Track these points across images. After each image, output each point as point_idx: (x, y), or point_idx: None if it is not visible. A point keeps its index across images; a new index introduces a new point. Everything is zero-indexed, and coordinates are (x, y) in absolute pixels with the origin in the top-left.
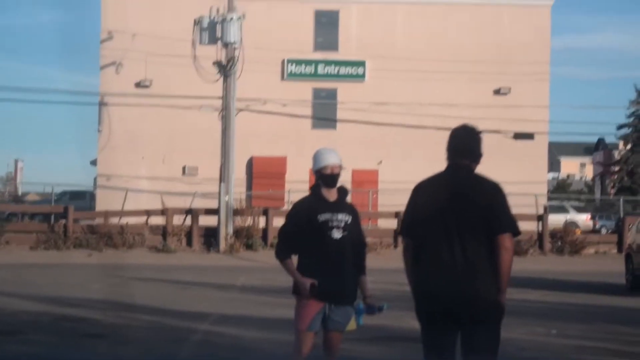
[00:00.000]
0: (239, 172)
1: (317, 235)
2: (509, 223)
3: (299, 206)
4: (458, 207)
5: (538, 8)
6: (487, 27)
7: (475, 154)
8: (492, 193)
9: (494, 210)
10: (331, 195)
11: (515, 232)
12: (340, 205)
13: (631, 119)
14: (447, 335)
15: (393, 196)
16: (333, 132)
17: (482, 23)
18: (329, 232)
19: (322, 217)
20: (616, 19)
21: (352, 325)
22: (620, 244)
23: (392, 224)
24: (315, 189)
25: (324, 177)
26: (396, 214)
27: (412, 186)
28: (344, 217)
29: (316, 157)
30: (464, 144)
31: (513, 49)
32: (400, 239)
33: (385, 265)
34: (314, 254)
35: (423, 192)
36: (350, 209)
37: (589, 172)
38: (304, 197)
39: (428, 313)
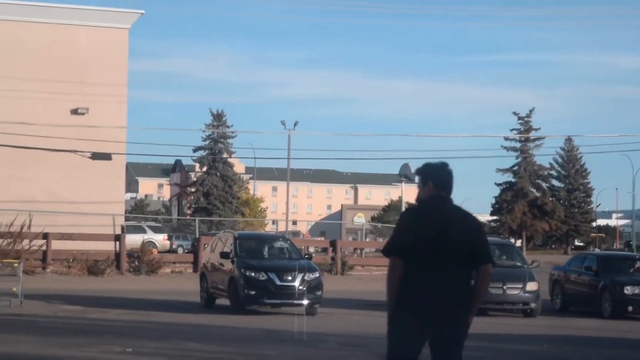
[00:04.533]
0: None
1: None
2: (489, 254)
3: None
4: (447, 236)
5: (115, 30)
6: (64, 46)
7: (451, 188)
8: (478, 226)
9: (479, 243)
10: None
11: (493, 262)
12: None
13: (207, 142)
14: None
15: None
16: None
17: (59, 42)
18: None
19: None
20: (192, 46)
21: None
22: (196, 263)
23: None
24: None
25: None
26: None
27: None
28: None
29: None
30: (447, 179)
31: (91, 70)
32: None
33: None
34: None
35: (414, 217)
36: None
37: (166, 193)
38: None
39: (406, 319)
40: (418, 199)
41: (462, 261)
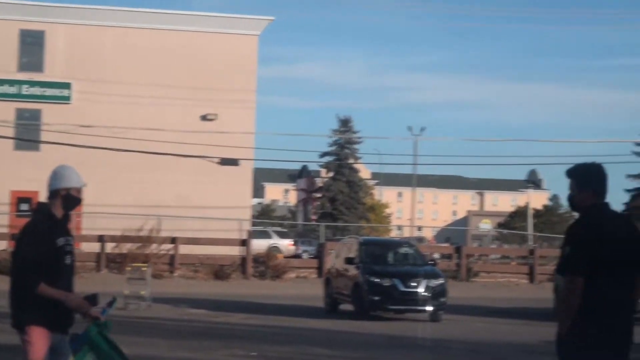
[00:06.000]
0: None
1: (53, 261)
2: None
3: (40, 228)
4: (628, 248)
5: (245, 37)
6: (195, 53)
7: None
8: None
9: None
10: (60, 216)
11: None
12: (67, 227)
13: (333, 147)
14: None
15: (96, 219)
16: (37, 154)
17: (191, 49)
18: (63, 258)
19: (60, 241)
20: (320, 51)
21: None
22: (320, 268)
23: (95, 247)
24: (46, 208)
25: (70, 199)
26: (100, 238)
27: (117, 210)
28: (71, 240)
29: (66, 175)
30: (606, 184)
31: (221, 76)
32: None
33: (92, 290)
34: (48, 283)
35: (604, 230)
36: (69, 231)
37: (292, 198)
38: (35, 217)
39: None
40: (577, 207)
41: (630, 273)
